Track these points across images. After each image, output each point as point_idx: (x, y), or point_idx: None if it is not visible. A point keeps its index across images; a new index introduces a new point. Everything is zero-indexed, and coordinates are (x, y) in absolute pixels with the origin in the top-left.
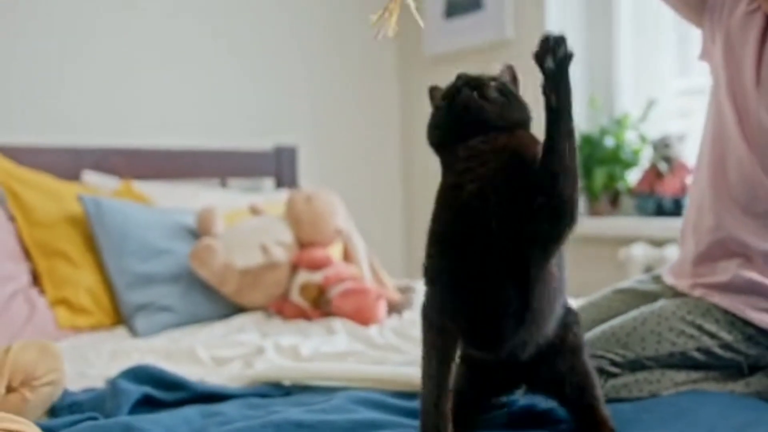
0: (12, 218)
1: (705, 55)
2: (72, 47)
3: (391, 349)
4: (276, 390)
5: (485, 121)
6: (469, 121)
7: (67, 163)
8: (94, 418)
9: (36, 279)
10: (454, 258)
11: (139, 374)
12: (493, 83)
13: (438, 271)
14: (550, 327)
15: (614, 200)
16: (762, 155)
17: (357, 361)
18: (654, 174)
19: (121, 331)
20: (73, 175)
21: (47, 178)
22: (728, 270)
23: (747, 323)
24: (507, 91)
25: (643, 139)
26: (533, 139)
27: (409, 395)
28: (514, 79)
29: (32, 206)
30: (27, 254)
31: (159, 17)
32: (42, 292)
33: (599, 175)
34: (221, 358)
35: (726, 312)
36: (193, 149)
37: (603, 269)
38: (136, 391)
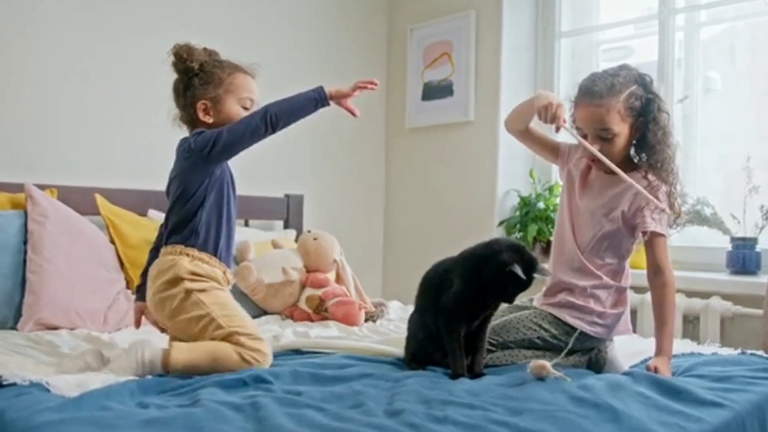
0: (112, 241)
1: (560, 176)
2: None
3: (366, 338)
4: (297, 353)
5: None
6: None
7: (139, 203)
8: None
9: (128, 284)
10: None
11: None
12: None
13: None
14: None
15: (546, 249)
16: (579, 236)
17: (345, 341)
18: None
19: None
20: (142, 211)
21: (129, 213)
22: (559, 296)
23: (566, 324)
24: None
25: None
26: None
27: (377, 357)
28: None
29: (125, 233)
30: (122, 266)
31: None
32: (133, 293)
33: (531, 230)
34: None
35: (555, 317)
36: None
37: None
38: None
